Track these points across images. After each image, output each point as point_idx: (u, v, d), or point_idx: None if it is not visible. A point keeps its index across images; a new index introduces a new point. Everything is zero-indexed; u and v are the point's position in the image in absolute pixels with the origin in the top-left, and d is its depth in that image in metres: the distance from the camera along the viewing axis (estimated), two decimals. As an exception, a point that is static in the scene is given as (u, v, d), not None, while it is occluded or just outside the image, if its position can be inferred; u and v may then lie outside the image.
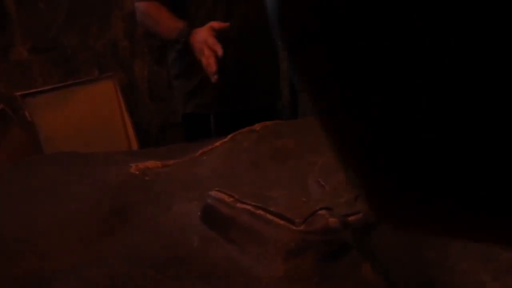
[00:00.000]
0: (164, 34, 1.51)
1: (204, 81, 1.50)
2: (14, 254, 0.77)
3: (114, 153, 1.31)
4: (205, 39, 1.36)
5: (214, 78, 1.35)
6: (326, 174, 0.95)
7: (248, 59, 1.57)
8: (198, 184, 1.02)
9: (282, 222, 0.69)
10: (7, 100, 1.91)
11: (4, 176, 1.09)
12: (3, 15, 1.97)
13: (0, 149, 1.79)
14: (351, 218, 0.76)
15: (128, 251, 0.76)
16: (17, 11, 2.01)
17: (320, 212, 0.70)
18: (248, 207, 0.75)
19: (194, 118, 1.64)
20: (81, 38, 2.15)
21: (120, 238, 0.81)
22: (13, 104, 1.90)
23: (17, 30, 2.03)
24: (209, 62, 1.33)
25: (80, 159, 1.21)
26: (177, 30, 1.44)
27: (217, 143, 1.21)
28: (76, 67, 2.16)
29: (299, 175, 0.98)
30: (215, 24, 1.39)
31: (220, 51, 1.33)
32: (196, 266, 0.70)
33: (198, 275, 0.68)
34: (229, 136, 1.25)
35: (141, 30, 1.56)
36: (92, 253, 0.77)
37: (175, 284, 0.65)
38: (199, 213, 0.84)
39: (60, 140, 1.97)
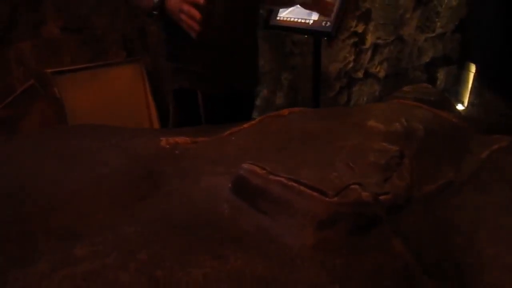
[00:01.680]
0: (144, 5, 1.46)
1: (187, 61, 1.52)
2: (49, 210, 0.79)
3: (142, 128, 1.33)
4: None
5: (196, 31, 1.29)
6: (355, 157, 0.95)
7: (228, 40, 1.53)
8: (226, 160, 1.03)
9: (315, 193, 0.70)
10: (38, 76, 1.95)
11: (38, 141, 1.12)
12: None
13: (29, 123, 1.83)
14: (381, 198, 0.77)
15: (159, 214, 0.78)
16: (51, -11, 2.04)
17: (352, 186, 0.71)
18: (281, 179, 0.75)
19: (182, 93, 1.64)
20: (111, 20, 2.18)
21: (151, 203, 0.83)
22: (43, 80, 1.94)
23: (50, 8, 2.07)
24: (191, 13, 1.27)
25: (109, 131, 1.23)
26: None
27: (245, 125, 1.23)
28: (105, 49, 2.19)
29: (327, 158, 0.99)
30: None
31: (201, 0, 1.27)
32: (228, 232, 0.71)
33: (230, 240, 0.69)
34: (257, 119, 1.27)
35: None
36: (124, 214, 0.78)
37: (208, 245, 0.66)
38: (229, 185, 0.85)
39: (85, 118, 2.00)
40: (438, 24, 3.65)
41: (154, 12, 1.41)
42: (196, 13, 1.27)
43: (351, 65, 3.24)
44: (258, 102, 2.88)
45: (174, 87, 1.64)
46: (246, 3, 1.54)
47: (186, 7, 1.28)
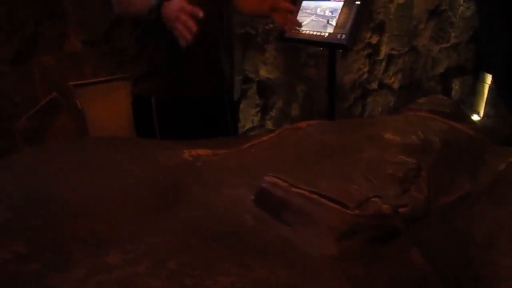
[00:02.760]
0: (138, 10, 1.53)
1: (150, 66, 1.61)
2: (79, 218, 0.83)
3: (163, 140, 1.37)
4: (180, 6, 1.38)
5: (187, 40, 1.36)
6: (372, 169, 0.98)
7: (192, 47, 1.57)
8: (247, 172, 1.06)
9: (336, 206, 0.73)
10: (60, 88, 2.01)
11: (64, 152, 1.16)
12: (60, 7, 2.08)
13: (51, 134, 1.89)
14: (400, 210, 0.79)
15: (184, 223, 0.81)
16: (72, 4, 2.11)
17: (373, 199, 0.74)
18: (302, 191, 0.78)
19: (139, 101, 1.71)
20: (130, 33, 2.24)
21: (175, 212, 0.86)
22: (66, 92, 2.00)
23: (72, 22, 2.13)
24: (188, 25, 1.35)
25: (132, 142, 1.27)
26: (149, 4, 1.47)
27: (265, 137, 1.26)
28: (125, 62, 2.25)
29: (345, 170, 1.01)
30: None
31: (201, 13, 1.35)
32: (252, 242, 0.74)
33: (254, 249, 0.71)
34: (276, 132, 1.30)
35: (116, 11, 1.60)
36: (149, 223, 0.82)
37: (233, 254, 0.69)
38: (251, 197, 0.88)
39: (105, 129, 2.05)
40: (453, 34, 3.66)
41: (150, 17, 1.49)
42: (193, 25, 1.35)
43: (365, 76, 3.27)
44: (273, 112, 2.91)
45: (133, 93, 1.72)
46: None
47: (184, 17, 1.35)
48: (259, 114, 2.85)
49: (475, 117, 3.63)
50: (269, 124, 2.91)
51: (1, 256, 0.68)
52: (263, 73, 2.79)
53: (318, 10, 2.37)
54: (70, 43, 2.16)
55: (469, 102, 3.85)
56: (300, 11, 2.47)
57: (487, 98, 3.67)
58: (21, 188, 0.91)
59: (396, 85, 3.48)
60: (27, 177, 0.98)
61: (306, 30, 2.39)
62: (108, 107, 2.13)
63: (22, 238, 0.75)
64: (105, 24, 2.20)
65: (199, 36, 1.51)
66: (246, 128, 2.80)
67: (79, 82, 2.06)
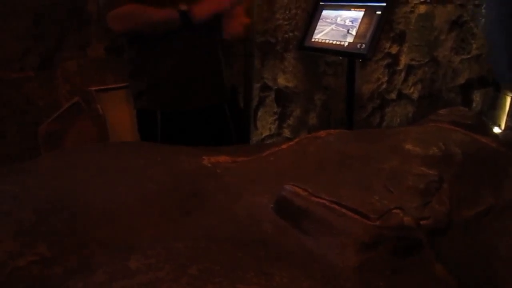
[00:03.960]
0: (161, 19, 1.58)
1: (154, 80, 1.65)
2: (101, 223, 0.84)
3: (183, 147, 1.38)
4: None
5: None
6: (394, 180, 0.97)
7: (194, 62, 1.68)
8: (266, 180, 1.06)
9: (357, 216, 0.72)
10: (83, 93, 2.05)
11: (87, 157, 1.18)
12: (85, 14, 2.13)
13: (73, 137, 1.92)
14: (422, 222, 0.78)
15: (205, 230, 0.81)
16: (97, 11, 2.15)
17: (394, 210, 0.73)
18: (323, 200, 0.78)
19: (144, 114, 1.74)
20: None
21: (196, 219, 0.87)
22: (87, 97, 2.03)
23: (96, 29, 2.17)
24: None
25: (153, 148, 1.28)
26: (174, 10, 1.55)
27: (284, 146, 1.26)
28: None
29: (366, 180, 1.00)
30: None
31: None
32: (272, 250, 0.74)
33: (274, 258, 0.71)
34: (295, 140, 1.30)
35: (120, 28, 1.63)
36: (172, 229, 0.82)
37: (253, 262, 0.69)
38: (271, 205, 0.88)
39: (124, 134, 2.08)
40: (474, 45, 3.62)
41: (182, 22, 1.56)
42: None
43: (384, 86, 3.24)
44: (291, 121, 2.91)
45: (136, 107, 1.76)
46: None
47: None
48: (277, 122, 2.85)
49: (496, 130, 3.57)
50: (286, 132, 2.90)
51: (27, 259, 0.70)
52: (282, 81, 2.79)
53: (339, 19, 2.38)
54: (93, 50, 2.20)
55: (490, 114, 3.79)
56: (320, 20, 2.48)
57: (508, 110, 3.62)
58: (45, 191, 0.93)
59: (415, 96, 3.45)
60: (51, 180, 1.00)
61: (326, 39, 2.40)
62: (129, 112, 2.15)
63: (46, 242, 0.76)
64: (127, 31, 2.24)
65: (201, 47, 1.63)
66: (263, 135, 2.80)
67: (100, 88, 2.09)
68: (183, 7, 1.56)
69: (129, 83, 1.81)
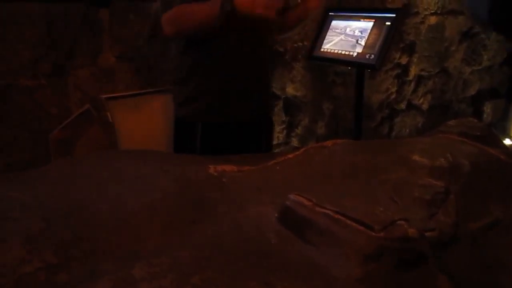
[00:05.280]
0: (205, 17, 1.53)
1: (198, 89, 1.62)
2: (107, 231, 0.85)
3: (189, 155, 1.39)
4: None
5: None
6: (399, 191, 0.96)
7: (242, 71, 1.64)
8: (271, 190, 1.06)
9: (361, 227, 0.72)
10: (93, 101, 2.07)
11: (95, 164, 1.19)
12: (96, 24, 2.16)
13: (83, 144, 1.94)
14: (427, 234, 0.78)
15: (209, 239, 0.82)
16: (109, 20, 2.19)
17: (399, 222, 0.73)
18: (327, 211, 0.78)
19: (183, 125, 1.71)
20: (163, 50, 2.30)
21: (201, 227, 0.87)
22: (98, 105, 2.06)
23: (107, 38, 2.21)
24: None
25: (159, 157, 1.29)
26: (217, 5, 1.48)
27: (290, 155, 1.26)
28: (156, 76, 2.30)
29: (371, 191, 1.00)
30: None
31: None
32: (275, 261, 0.74)
33: (278, 268, 0.71)
34: (301, 149, 1.30)
35: (170, 31, 1.58)
36: (176, 238, 0.83)
37: (256, 272, 0.69)
38: (275, 215, 0.88)
39: (135, 143, 2.09)
40: (485, 57, 3.60)
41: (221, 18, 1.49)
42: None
43: (393, 96, 3.24)
44: (299, 130, 2.91)
45: (178, 115, 1.72)
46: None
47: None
48: (285, 131, 2.86)
49: (507, 142, 3.54)
50: (294, 142, 2.91)
51: (34, 265, 0.71)
52: (290, 90, 2.80)
53: (348, 29, 2.38)
54: (104, 58, 2.23)
55: (501, 126, 3.76)
56: (329, 30, 2.48)
57: (520, 121, 3.58)
58: (53, 199, 0.94)
59: (425, 106, 3.44)
60: (60, 187, 1.01)
61: (335, 50, 2.40)
62: (138, 120, 2.17)
63: (53, 249, 0.77)
64: (139, 40, 2.27)
65: (253, 58, 1.61)
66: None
67: (110, 95, 2.12)
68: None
69: (173, 90, 1.77)
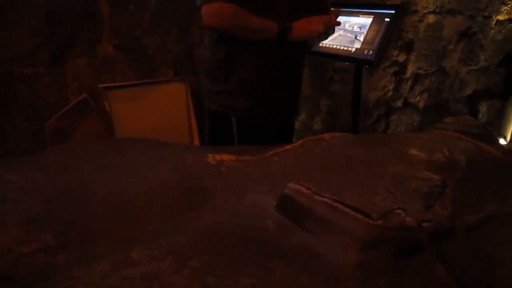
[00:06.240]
0: (261, 29, 1.56)
1: (236, 83, 1.61)
2: (105, 215, 0.85)
3: (188, 144, 1.39)
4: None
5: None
6: (397, 183, 0.97)
7: (282, 72, 1.65)
8: (269, 179, 1.07)
9: (359, 215, 0.73)
10: (91, 90, 2.07)
11: (94, 151, 1.19)
12: (96, 14, 2.15)
13: (80, 133, 1.94)
14: (424, 224, 0.78)
15: (208, 225, 0.82)
16: (109, 11, 2.18)
17: (396, 211, 0.73)
18: (326, 199, 0.79)
19: (218, 117, 1.70)
20: (161, 40, 2.30)
21: (199, 214, 0.87)
22: (95, 94, 2.06)
23: (106, 28, 2.20)
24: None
25: (159, 145, 1.29)
26: (275, 25, 1.53)
27: (288, 147, 1.26)
28: (154, 67, 2.30)
29: (369, 182, 1.01)
30: None
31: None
32: (274, 247, 0.74)
33: (276, 255, 0.72)
34: (299, 142, 1.30)
35: (215, 23, 1.54)
36: (175, 223, 0.83)
37: (255, 258, 0.70)
38: (274, 203, 0.88)
39: (132, 132, 2.09)
40: (482, 57, 3.61)
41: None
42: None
43: (390, 93, 3.25)
44: (296, 125, 2.92)
45: (210, 108, 1.72)
46: None
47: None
48: (282, 127, 2.86)
49: (502, 141, 3.56)
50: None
51: (32, 246, 0.71)
52: (289, 86, 2.80)
53: (347, 25, 2.39)
54: (103, 48, 2.22)
55: (496, 125, 3.77)
56: (328, 26, 2.48)
57: (515, 122, 3.60)
58: (52, 183, 0.94)
59: (421, 105, 3.45)
60: (58, 173, 1.01)
61: (333, 45, 2.41)
62: (135, 110, 2.17)
63: (51, 231, 0.77)
64: (137, 30, 2.26)
65: (291, 60, 1.63)
66: (268, 139, 2.81)
67: (108, 85, 2.11)
68: (285, 24, 1.55)
69: (205, 80, 1.75)
